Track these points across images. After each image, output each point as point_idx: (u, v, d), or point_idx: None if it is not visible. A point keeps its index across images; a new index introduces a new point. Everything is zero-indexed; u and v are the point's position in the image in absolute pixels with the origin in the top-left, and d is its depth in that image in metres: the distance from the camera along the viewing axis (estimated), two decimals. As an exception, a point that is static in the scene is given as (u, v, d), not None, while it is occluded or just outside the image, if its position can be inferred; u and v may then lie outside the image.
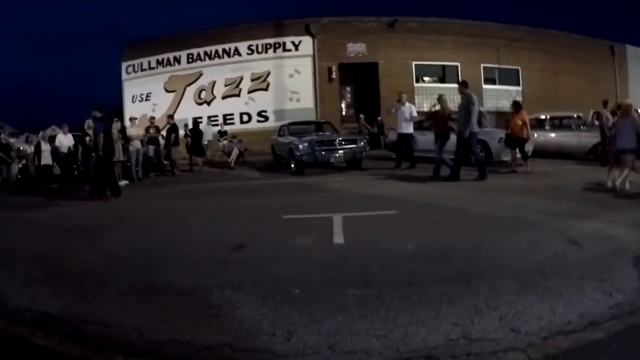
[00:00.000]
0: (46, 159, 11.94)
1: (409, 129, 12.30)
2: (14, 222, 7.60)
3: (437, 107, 11.07)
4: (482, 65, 22.26)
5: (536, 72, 23.03)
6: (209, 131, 18.55)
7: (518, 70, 22.98)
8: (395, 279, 3.81)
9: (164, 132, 14.77)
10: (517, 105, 11.56)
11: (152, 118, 15.93)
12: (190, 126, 16.20)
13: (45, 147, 12.11)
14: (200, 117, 20.57)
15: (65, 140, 13.07)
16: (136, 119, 14.36)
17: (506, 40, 22.38)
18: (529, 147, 11.53)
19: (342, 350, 2.71)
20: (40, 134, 12.53)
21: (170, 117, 16.02)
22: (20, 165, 12.69)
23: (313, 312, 3.19)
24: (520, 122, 11.02)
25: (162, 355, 2.75)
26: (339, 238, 5.18)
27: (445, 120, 10.62)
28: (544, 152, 13.70)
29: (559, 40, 23.90)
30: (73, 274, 4.34)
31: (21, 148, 13.30)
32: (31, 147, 13.21)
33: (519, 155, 11.09)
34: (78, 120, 14.02)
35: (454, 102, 21.13)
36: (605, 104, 12.17)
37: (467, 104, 9.58)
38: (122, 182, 12.22)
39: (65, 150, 12.83)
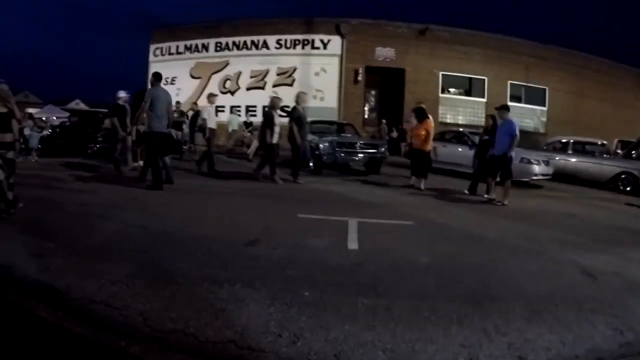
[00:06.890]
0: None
1: None
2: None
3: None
4: (509, 82, 22.01)
5: (563, 94, 22.68)
6: (234, 121, 18.69)
7: (545, 90, 22.66)
8: (406, 291, 3.75)
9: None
10: (420, 113, 10.15)
11: (178, 102, 15.91)
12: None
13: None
14: (223, 106, 20.70)
15: None
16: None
17: (536, 59, 22.10)
18: (548, 170, 10.91)
19: (348, 359, 2.66)
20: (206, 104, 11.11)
21: (195, 103, 16.18)
22: None
23: (321, 317, 3.15)
24: (424, 133, 9.88)
25: (166, 345, 2.71)
26: (353, 243, 5.12)
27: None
28: (562, 176, 13.49)
29: (589, 64, 23.51)
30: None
31: None
32: None
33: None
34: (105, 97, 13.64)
35: (477, 115, 21.30)
36: None
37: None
38: (140, 163, 12.30)
39: None
